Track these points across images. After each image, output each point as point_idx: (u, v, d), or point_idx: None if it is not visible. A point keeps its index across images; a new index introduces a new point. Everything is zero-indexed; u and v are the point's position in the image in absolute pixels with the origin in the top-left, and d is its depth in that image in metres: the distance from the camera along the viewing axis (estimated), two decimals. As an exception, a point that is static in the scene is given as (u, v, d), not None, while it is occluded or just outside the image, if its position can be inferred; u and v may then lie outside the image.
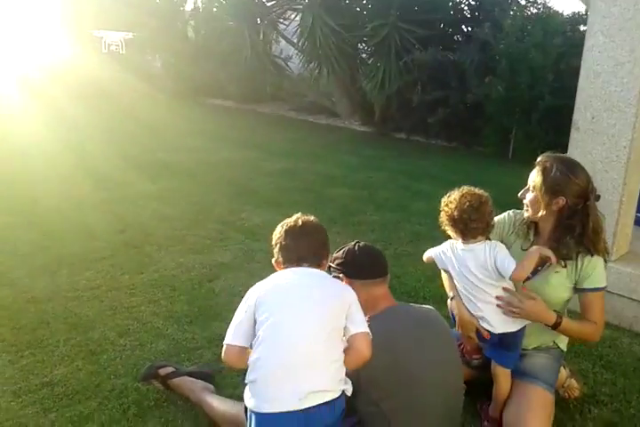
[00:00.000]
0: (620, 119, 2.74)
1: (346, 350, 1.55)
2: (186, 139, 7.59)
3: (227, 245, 4.02)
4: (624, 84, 2.67)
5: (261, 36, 9.66)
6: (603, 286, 2.12)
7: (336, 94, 9.97)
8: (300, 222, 1.74)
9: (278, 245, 1.73)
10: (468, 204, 1.98)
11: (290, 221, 1.77)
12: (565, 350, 2.33)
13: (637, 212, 3.16)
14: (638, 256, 3.05)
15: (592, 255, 2.08)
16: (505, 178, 6.21)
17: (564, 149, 7.12)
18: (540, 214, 2.09)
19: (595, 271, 2.10)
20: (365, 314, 1.66)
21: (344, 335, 1.57)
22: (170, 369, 2.35)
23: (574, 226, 2.05)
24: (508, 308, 2.01)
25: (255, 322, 1.56)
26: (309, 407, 1.43)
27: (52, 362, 2.57)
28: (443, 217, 2.08)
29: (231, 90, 10.97)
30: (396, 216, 4.80)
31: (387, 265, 1.92)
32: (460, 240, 2.05)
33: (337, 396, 1.49)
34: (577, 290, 2.14)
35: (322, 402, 1.44)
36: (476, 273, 2.01)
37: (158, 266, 3.63)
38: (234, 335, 1.58)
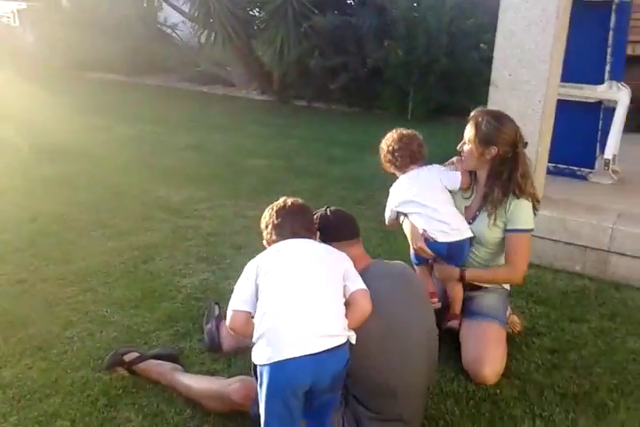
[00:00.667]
0: (535, 76, 2.94)
1: (347, 308, 1.59)
2: (74, 118, 7.05)
3: (152, 226, 3.87)
4: (537, 42, 2.86)
5: (145, 3, 9.13)
6: (527, 227, 2.30)
7: (231, 63, 9.71)
8: (289, 203, 1.81)
9: (270, 226, 1.76)
10: (391, 138, 2.40)
11: (278, 202, 1.84)
12: (509, 289, 2.55)
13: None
14: (552, 201, 3.33)
15: (518, 198, 2.27)
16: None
17: (458, 109, 7.54)
18: (474, 164, 2.27)
19: (521, 213, 2.28)
20: None
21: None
22: (134, 354, 2.28)
23: (503, 171, 2.24)
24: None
25: (257, 290, 1.57)
26: (319, 353, 1.46)
27: (-3, 364, 2.39)
28: (383, 157, 2.43)
29: (114, 62, 10.30)
30: (318, 182, 4.85)
31: (358, 226, 1.98)
32: (399, 173, 2.40)
33: (344, 342, 1.54)
34: (505, 231, 2.32)
35: (331, 347, 1.49)
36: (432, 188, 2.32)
37: (85, 253, 3.44)
38: (239, 301, 1.61)
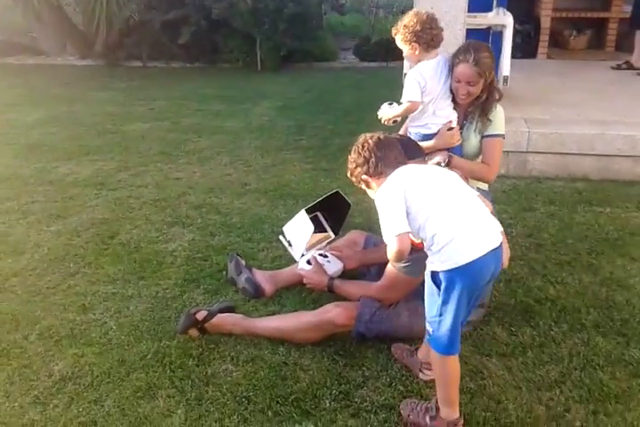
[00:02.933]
0: (454, 6, 3.30)
1: None
2: None
3: (86, 203, 3.57)
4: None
5: None
6: (502, 133, 2.59)
7: (36, 28, 8.63)
8: (381, 136, 1.86)
9: (373, 160, 1.81)
10: (425, 16, 2.38)
11: (367, 138, 1.85)
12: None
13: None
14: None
15: (496, 108, 2.59)
16: (277, 86, 6.61)
17: (307, 55, 7.75)
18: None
19: (499, 119, 2.60)
20: None
21: None
22: (204, 312, 2.24)
23: (492, 90, 2.51)
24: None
25: (407, 212, 1.67)
26: (496, 247, 1.67)
27: (43, 361, 2.16)
28: (404, 37, 2.37)
29: None
30: (221, 138, 4.79)
31: None
32: (421, 56, 2.40)
33: None
34: (484, 137, 2.57)
35: (501, 240, 1.70)
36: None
37: (32, 241, 3.08)
38: (399, 224, 1.65)
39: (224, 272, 2.71)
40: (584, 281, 2.62)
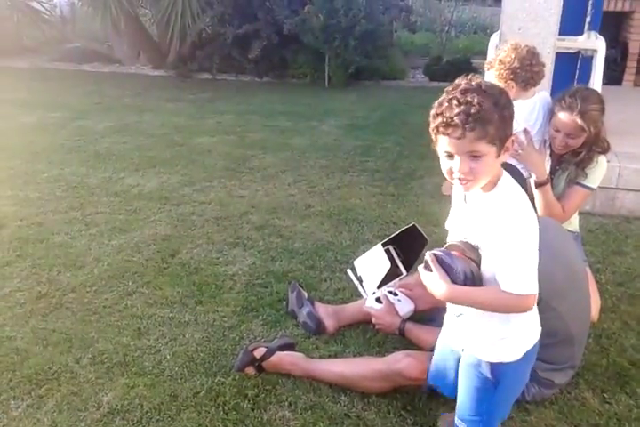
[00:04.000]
0: (544, 28, 3.07)
1: None
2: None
3: (149, 217, 3.51)
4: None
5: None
6: (593, 186, 2.38)
7: (112, 37, 8.89)
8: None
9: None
10: (526, 51, 2.17)
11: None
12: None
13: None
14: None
15: (602, 154, 2.35)
16: (344, 104, 6.49)
17: (374, 73, 7.63)
18: None
19: (596, 172, 2.36)
20: None
21: None
22: (263, 349, 2.09)
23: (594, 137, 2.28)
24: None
25: None
26: None
27: (93, 389, 2.06)
28: (499, 75, 2.18)
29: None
30: (289, 154, 4.69)
31: None
32: (517, 95, 2.19)
33: None
34: (574, 183, 2.38)
35: None
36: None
37: (92, 255, 3.03)
38: (534, 280, 1.31)
39: (284, 302, 2.56)
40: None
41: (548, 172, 2.29)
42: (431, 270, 1.35)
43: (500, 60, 2.18)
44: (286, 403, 1.99)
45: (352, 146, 4.86)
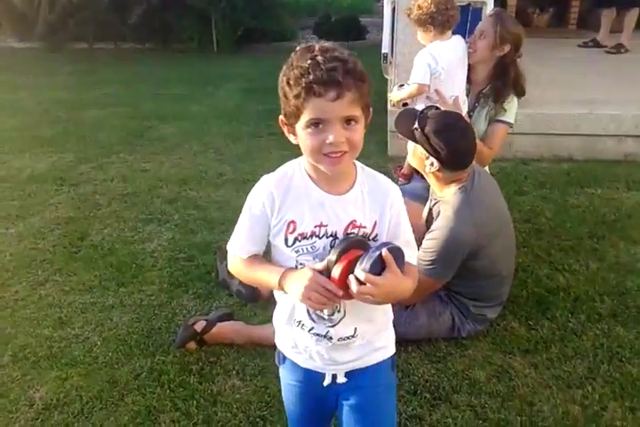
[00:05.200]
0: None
1: None
2: None
3: (47, 200, 3.24)
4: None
5: None
6: (511, 121, 2.52)
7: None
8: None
9: None
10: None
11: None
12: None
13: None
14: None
15: (513, 95, 2.49)
16: (238, 68, 6.29)
17: (264, 35, 7.41)
18: (484, 58, 2.39)
19: (512, 109, 2.51)
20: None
21: None
22: (203, 322, 2.03)
23: (506, 72, 2.41)
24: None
25: None
26: None
27: (22, 388, 1.90)
28: (418, 19, 2.29)
29: None
30: (187, 124, 4.50)
31: None
32: (435, 38, 2.31)
33: None
34: (494, 121, 2.50)
35: None
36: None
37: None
38: None
39: (213, 274, 2.49)
40: (591, 267, 2.54)
41: (465, 112, 2.36)
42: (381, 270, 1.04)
43: (419, 6, 2.24)
44: (234, 372, 1.95)
45: (255, 110, 4.75)
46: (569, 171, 3.53)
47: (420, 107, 2.28)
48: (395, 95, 2.42)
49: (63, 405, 1.83)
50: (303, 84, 1.00)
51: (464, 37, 3.72)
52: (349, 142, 1.03)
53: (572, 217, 2.97)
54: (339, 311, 1.14)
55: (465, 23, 3.73)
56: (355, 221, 1.10)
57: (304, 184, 1.13)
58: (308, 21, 8.08)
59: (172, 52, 7.25)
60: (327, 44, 1.05)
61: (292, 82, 1.02)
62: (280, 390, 1.37)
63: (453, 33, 2.56)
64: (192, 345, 2.03)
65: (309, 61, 1.00)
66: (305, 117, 1.03)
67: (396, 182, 2.63)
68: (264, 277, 1.14)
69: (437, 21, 2.26)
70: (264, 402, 1.83)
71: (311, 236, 1.10)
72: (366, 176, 1.14)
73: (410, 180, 2.64)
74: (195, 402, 1.83)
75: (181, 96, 5.23)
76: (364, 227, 1.11)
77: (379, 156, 3.67)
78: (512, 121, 2.51)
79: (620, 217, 2.96)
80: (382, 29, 7.97)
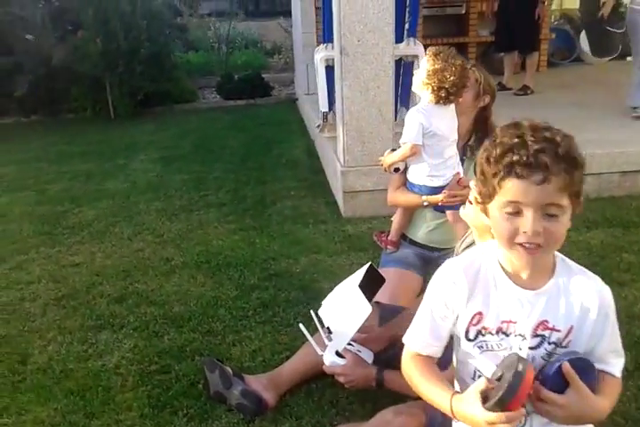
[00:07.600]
0: (382, 38, 3.07)
1: None
2: None
3: None
4: (380, 6, 2.98)
5: None
6: None
7: None
8: None
9: None
10: (460, 65, 2.04)
11: None
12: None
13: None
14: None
15: None
16: (144, 135, 5.92)
17: (164, 98, 7.16)
18: (467, 110, 2.30)
19: None
20: None
21: None
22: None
23: (484, 120, 2.36)
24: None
25: None
26: None
27: None
28: (431, 83, 2.06)
29: None
30: (108, 204, 4.06)
31: None
32: (433, 104, 2.11)
33: None
34: None
35: None
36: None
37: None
38: None
39: (201, 385, 2.12)
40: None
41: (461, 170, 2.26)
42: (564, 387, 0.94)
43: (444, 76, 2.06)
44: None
45: (180, 180, 4.41)
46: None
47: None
48: (388, 158, 2.27)
49: None
50: (504, 163, 0.92)
51: (396, 90, 3.78)
52: (547, 235, 0.93)
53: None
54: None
55: (398, 76, 3.78)
56: (546, 321, 0.99)
57: (492, 274, 1.03)
58: (206, 81, 7.91)
59: (64, 123, 6.72)
60: (538, 121, 0.95)
61: (492, 159, 0.95)
62: None
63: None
64: None
65: (515, 140, 0.92)
66: (501, 198, 0.95)
67: (384, 251, 2.49)
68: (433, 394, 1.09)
69: (444, 92, 2.11)
70: None
71: (497, 332, 1.02)
72: (568, 271, 1.02)
73: (398, 247, 2.47)
74: None
75: (90, 172, 4.76)
76: (558, 330, 0.98)
77: (334, 220, 3.48)
78: None
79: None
80: (285, 86, 8.02)
